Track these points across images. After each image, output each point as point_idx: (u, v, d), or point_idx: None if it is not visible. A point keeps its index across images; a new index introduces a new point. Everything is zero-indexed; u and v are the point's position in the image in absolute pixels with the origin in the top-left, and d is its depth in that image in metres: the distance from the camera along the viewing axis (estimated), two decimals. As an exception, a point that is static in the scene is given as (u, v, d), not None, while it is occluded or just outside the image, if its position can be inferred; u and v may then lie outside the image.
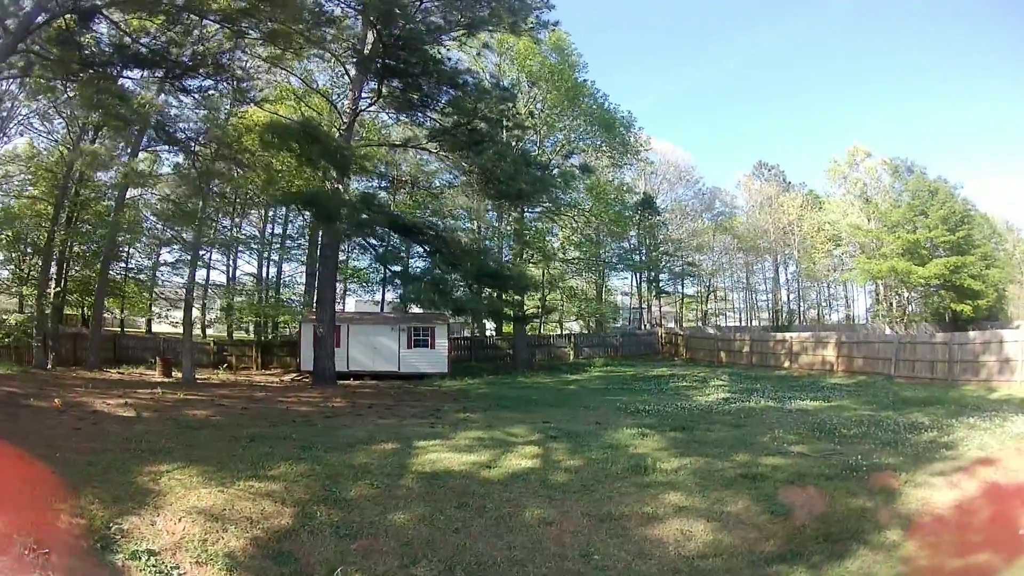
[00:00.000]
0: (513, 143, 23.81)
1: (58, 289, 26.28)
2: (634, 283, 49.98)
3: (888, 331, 40.84)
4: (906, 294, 46.61)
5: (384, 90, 21.16)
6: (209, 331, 37.32)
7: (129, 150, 24.33)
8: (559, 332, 42.50)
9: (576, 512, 6.51)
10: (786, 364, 26.65)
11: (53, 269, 26.70)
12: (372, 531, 5.87)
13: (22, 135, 26.31)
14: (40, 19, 15.97)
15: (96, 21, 17.87)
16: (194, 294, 27.42)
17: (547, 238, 35.83)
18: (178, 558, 4.98)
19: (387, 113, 25.86)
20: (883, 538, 5.80)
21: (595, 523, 6.25)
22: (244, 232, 36.96)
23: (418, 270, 24.16)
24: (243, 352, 30.95)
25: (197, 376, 22.80)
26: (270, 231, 38.17)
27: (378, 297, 38.63)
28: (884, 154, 48.53)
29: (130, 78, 20.80)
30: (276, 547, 5.41)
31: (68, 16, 16.54)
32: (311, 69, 28.32)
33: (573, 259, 38.20)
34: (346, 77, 24.37)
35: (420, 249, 24.13)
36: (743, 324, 55.25)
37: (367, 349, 25.73)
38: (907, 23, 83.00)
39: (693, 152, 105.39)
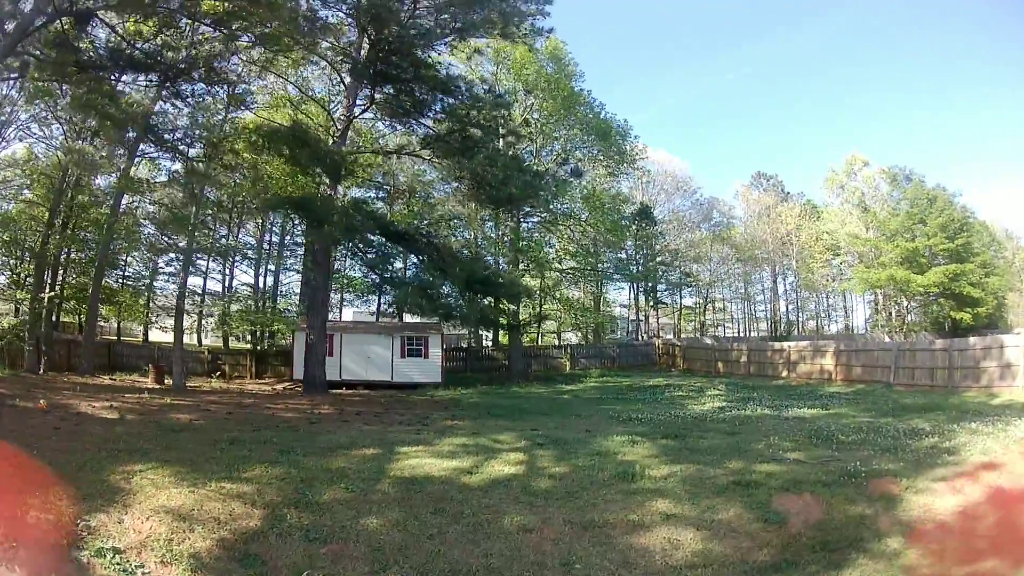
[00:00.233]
0: (507, 150, 23.59)
1: (52, 294, 26.16)
2: (631, 294, 49.76)
3: (887, 340, 40.50)
4: (905, 303, 46.29)
5: (377, 96, 21.05)
6: (206, 341, 37.15)
7: (125, 154, 24.21)
8: (556, 343, 42.24)
9: (558, 519, 6.20)
10: (784, 373, 26.36)
11: (48, 274, 26.66)
12: (343, 535, 5.69)
13: (21, 140, 26.47)
14: (38, 22, 15.92)
15: (92, 24, 17.83)
16: (186, 301, 27.40)
17: (544, 249, 35.68)
18: (143, 557, 4.85)
19: (381, 121, 25.87)
20: (883, 546, 5.52)
21: (578, 531, 5.95)
22: (241, 241, 37.06)
23: (409, 276, 23.92)
24: (238, 361, 30.68)
25: (190, 384, 22.53)
26: (267, 240, 38.19)
27: (375, 308, 38.42)
28: (882, 163, 48.52)
29: (125, 82, 20.87)
30: (243, 549, 5.26)
31: (65, 20, 16.50)
32: (307, 77, 28.34)
33: (568, 270, 38.01)
34: (341, 85, 24.32)
35: (414, 257, 23.96)
36: (741, 335, 54.93)
37: (360, 358, 25.42)
38: (904, 32, 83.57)
39: (691, 163, 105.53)
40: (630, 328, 50.22)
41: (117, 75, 19.98)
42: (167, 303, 34.17)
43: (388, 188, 31.59)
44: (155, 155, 26.27)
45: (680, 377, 28.77)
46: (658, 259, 47.62)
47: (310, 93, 28.04)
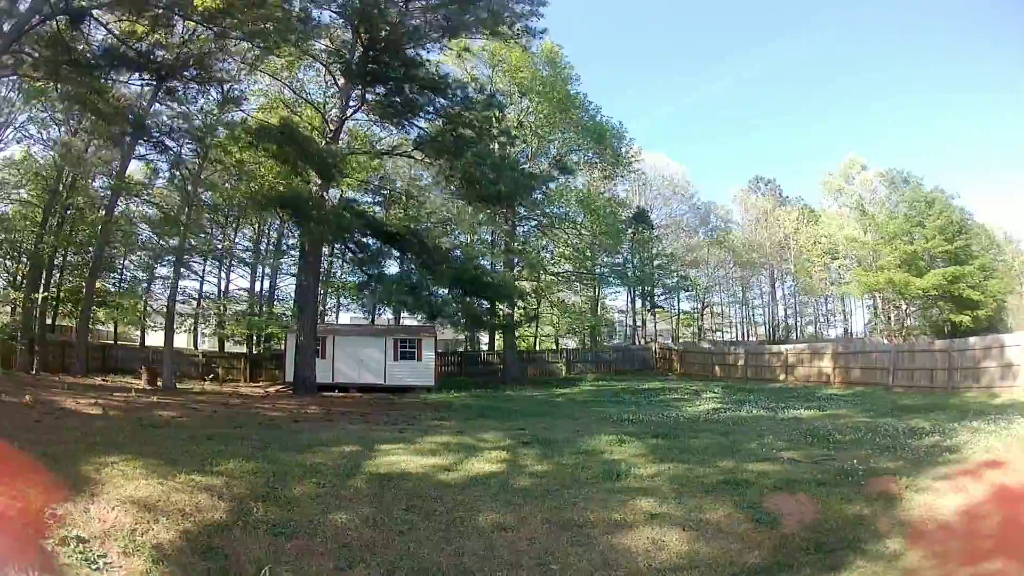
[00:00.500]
0: (500, 150, 23.41)
1: (45, 294, 26.04)
2: (629, 299, 49.45)
3: (886, 343, 40.19)
4: (904, 307, 45.96)
5: (368, 96, 20.86)
6: (203, 345, 37.00)
7: (119, 155, 24.09)
8: (553, 348, 41.98)
9: (536, 518, 5.89)
10: (781, 377, 26.06)
11: (44, 275, 26.67)
12: (310, 530, 5.51)
13: (19, 142, 26.38)
14: (34, 20, 16.00)
15: (87, 23, 17.80)
16: (182, 304, 27.25)
17: (541, 253, 35.53)
18: (107, 547, 4.76)
19: (375, 123, 25.72)
20: (882, 547, 5.25)
21: (556, 530, 5.65)
22: (237, 244, 36.93)
23: (395, 274, 23.73)
24: (232, 364, 30.54)
25: (183, 386, 22.34)
26: (264, 246, 38.12)
27: (373, 314, 38.22)
28: (880, 166, 48.34)
29: (118, 80, 20.79)
30: (206, 541, 5.15)
31: (60, 18, 16.56)
32: (302, 79, 28.13)
33: (563, 273, 37.78)
34: (336, 87, 24.15)
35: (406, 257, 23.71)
36: (739, 340, 54.56)
37: (353, 361, 25.10)
38: (901, 36, 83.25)
39: (689, 169, 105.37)
40: (628, 333, 49.91)
41: (110, 74, 19.88)
42: (162, 306, 34.02)
43: (385, 193, 31.44)
44: (151, 157, 26.17)
45: (676, 381, 28.43)
46: (655, 263, 47.38)
47: (305, 95, 27.88)
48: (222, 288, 37.24)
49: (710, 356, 33.04)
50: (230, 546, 5.06)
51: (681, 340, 49.71)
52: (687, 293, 52.73)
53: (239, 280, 38.62)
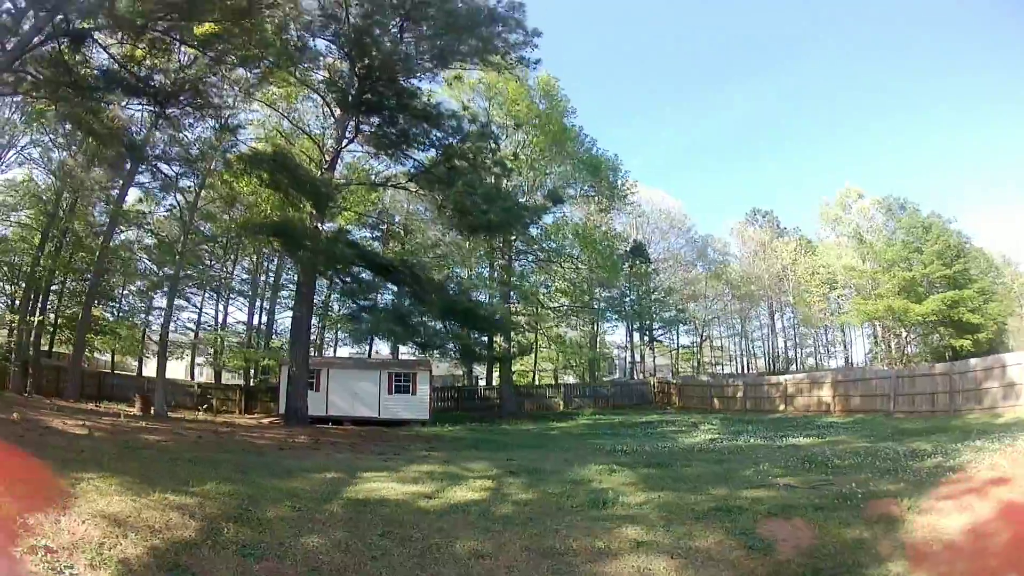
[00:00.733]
0: (495, 182, 23.47)
1: (40, 318, 26.20)
2: (627, 333, 49.17)
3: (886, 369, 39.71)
4: (904, 334, 45.54)
5: (363, 127, 21.00)
6: (200, 377, 36.88)
7: (118, 177, 24.25)
8: (552, 383, 41.59)
9: (515, 545, 5.58)
10: (781, 407, 25.75)
11: (41, 299, 27.06)
12: (280, 553, 5.32)
13: (21, 164, 26.83)
14: (36, 40, 16.20)
15: (88, 46, 18.07)
16: (178, 334, 27.28)
17: (539, 288, 35.48)
18: (74, 558, 4.69)
19: (371, 154, 25.83)
20: (884, 570, 4.91)
21: (535, 557, 5.33)
22: (236, 277, 37.25)
23: (385, 304, 23.65)
24: (228, 396, 30.30)
25: (176, 415, 22.20)
26: (264, 280, 38.30)
27: (371, 350, 38.02)
28: (876, 194, 48.31)
29: (116, 103, 20.90)
30: (173, 559, 4.97)
31: (61, 40, 16.77)
32: (299, 110, 28.44)
33: (559, 307, 37.62)
34: (332, 118, 24.40)
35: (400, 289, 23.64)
36: (739, 372, 54.04)
37: (347, 394, 24.83)
38: (894, 62, 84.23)
39: (686, 203, 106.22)
40: (626, 368, 49.49)
41: (109, 97, 20.06)
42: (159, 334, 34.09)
43: (383, 228, 31.50)
44: (149, 186, 26.43)
45: (674, 414, 28.12)
46: (653, 297, 47.20)
47: (303, 127, 28.17)
48: (220, 320, 37.40)
49: (708, 389, 32.76)
50: (197, 564, 4.92)
51: (680, 374, 49.25)
52: (686, 327, 52.53)
53: (237, 313, 38.78)
